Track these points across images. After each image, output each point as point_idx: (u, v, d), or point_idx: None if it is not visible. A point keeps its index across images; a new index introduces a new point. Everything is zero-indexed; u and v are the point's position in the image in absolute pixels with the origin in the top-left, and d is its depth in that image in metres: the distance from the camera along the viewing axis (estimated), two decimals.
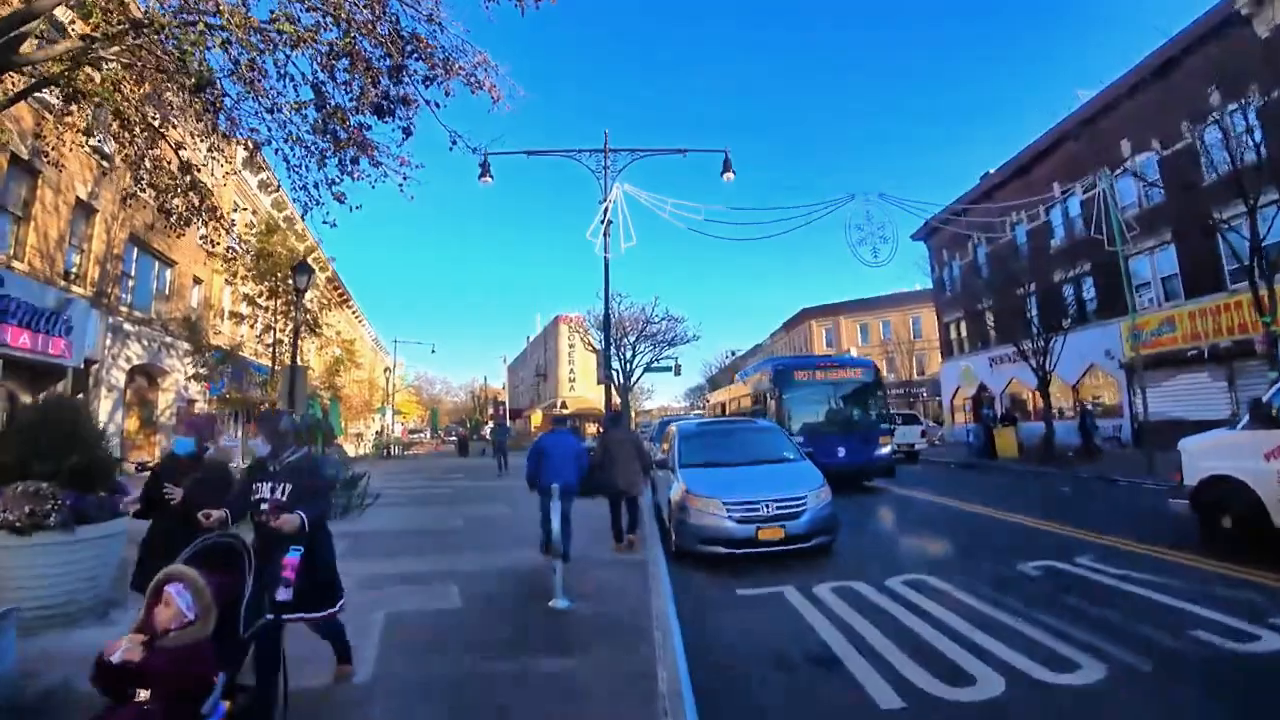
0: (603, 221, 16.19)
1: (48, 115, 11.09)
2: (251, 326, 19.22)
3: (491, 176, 16.82)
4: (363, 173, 9.47)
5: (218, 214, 10.22)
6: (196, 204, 9.65)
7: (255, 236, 18.83)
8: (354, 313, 52.97)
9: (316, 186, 9.34)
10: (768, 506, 7.50)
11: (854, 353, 53.59)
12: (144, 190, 9.58)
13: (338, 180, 9.03)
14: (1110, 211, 19.13)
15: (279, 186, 28.08)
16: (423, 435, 56.76)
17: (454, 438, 39.93)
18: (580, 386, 66.19)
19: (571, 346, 64.49)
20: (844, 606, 5.85)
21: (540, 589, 6.16)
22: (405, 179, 9.82)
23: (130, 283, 18.58)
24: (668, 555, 7.98)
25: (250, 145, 8.76)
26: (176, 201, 9.74)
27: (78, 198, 15.12)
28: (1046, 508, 10.86)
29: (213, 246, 10.76)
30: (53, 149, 9.67)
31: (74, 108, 8.29)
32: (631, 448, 8.67)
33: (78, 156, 12.52)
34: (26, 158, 13.09)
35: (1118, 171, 20.88)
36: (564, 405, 63.80)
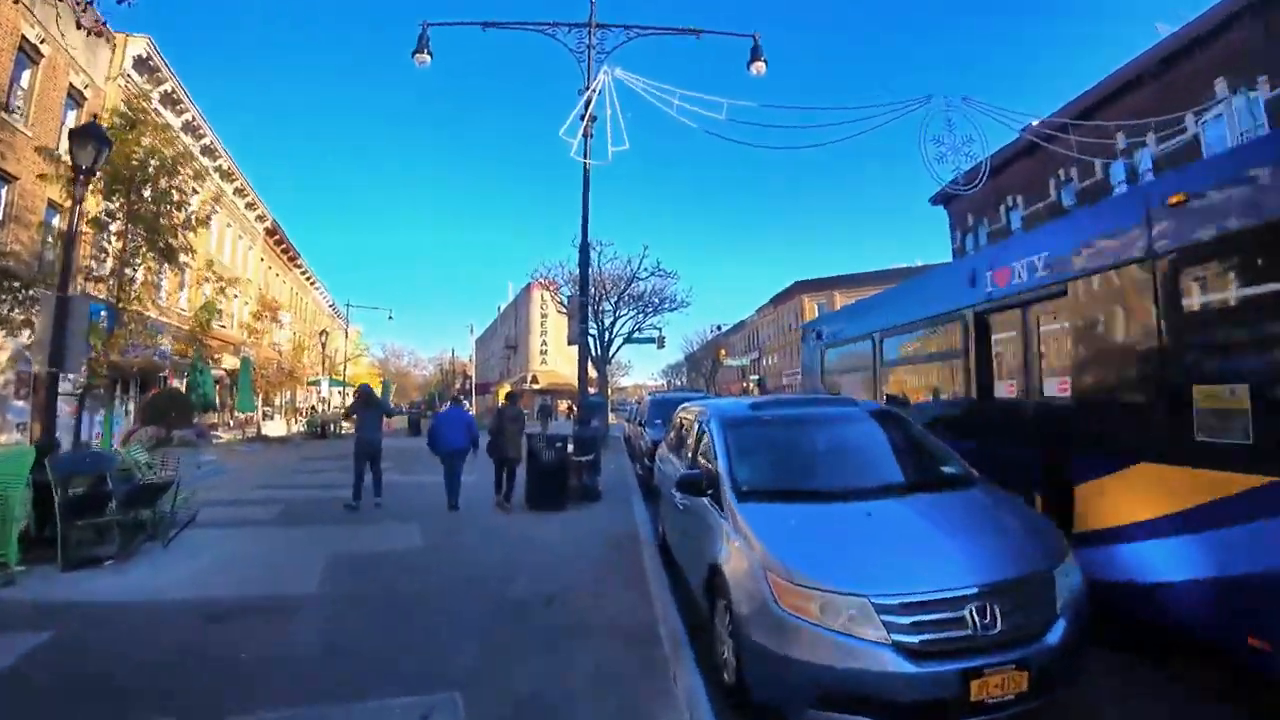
0: (583, 116, 11.45)
1: None
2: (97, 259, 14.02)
3: (430, 53, 12.02)
4: None
5: None
6: None
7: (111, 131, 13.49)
8: (304, 274, 47.47)
9: None
10: (981, 611, 3.01)
11: None
12: None
13: None
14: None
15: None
16: None
17: (402, 414, 34.84)
18: (553, 359, 61.45)
19: (544, 316, 59.49)
20: None
21: None
22: None
23: None
24: (713, 697, 3.50)
25: None
26: None
27: None
28: None
29: None
30: None
31: None
32: (519, 426, 9.93)
33: None
34: None
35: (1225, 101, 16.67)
36: (535, 380, 59.13)
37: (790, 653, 3.05)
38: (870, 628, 2.97)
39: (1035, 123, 23.90)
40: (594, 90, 11.58)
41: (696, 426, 5.71)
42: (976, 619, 2.99)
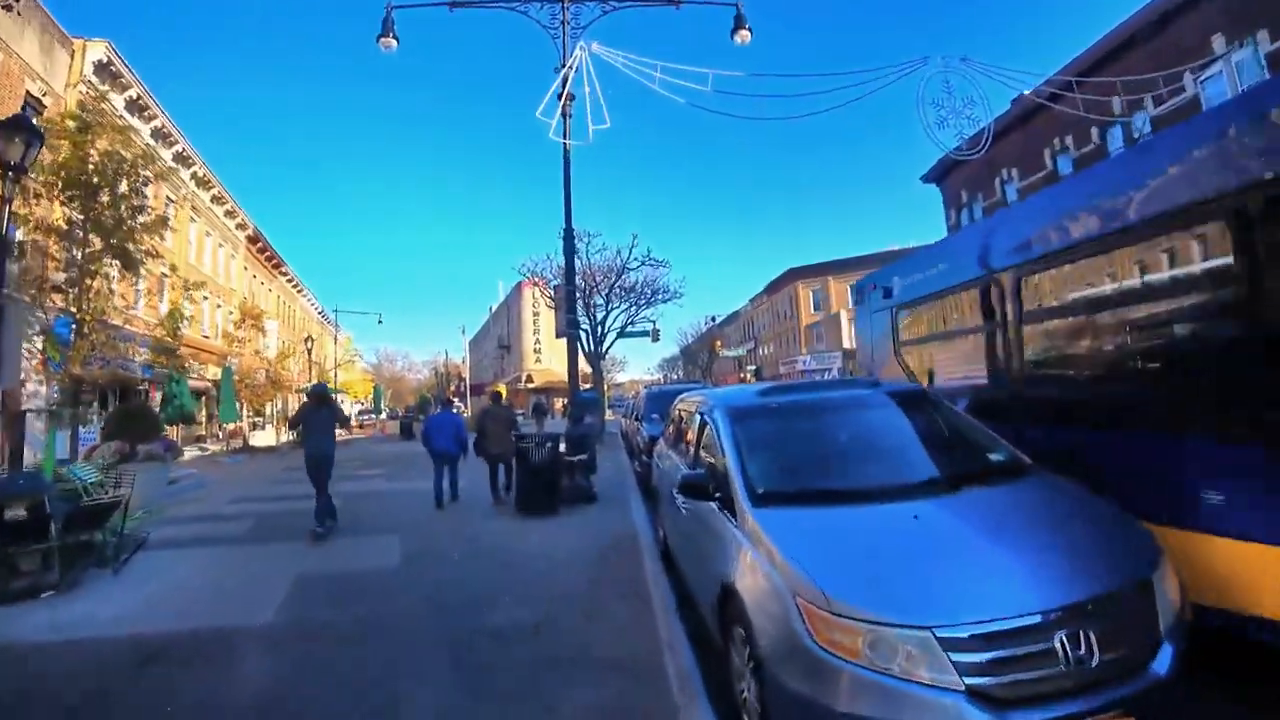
0: (560, 94, 10.75)
1: None
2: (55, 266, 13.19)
3: (396, 38, 11.33)
4: None
5: None
6: None
7: (63, 134, 12.58)
8: (291, 281, 46.55)
9: None
10: (1073, 639, 2.36)
11: (845, 318, 47.37)
12: None
13: None
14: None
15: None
16: (371, 415, 50.62)
17: (395, 418, 34.02)
18: (547, 358, 60.76)
19: (536, 314, 58.83)
20: None
21: None
22: None
23: None
24: None
25: None
26: None
27: None
28: None
29: None
30: None
31: None
32: (505, 424, 9.73)
33: None
34: None
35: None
36: (529, 379, 58.46)
37: (833, 703, 2.39)
38: (936, 669, 2.32)
39: (1027, 92, 23.16)
40: (571, 67, 10.88)
41: (698, 418, 5.05)
42: (1068, 649, 2.35)
